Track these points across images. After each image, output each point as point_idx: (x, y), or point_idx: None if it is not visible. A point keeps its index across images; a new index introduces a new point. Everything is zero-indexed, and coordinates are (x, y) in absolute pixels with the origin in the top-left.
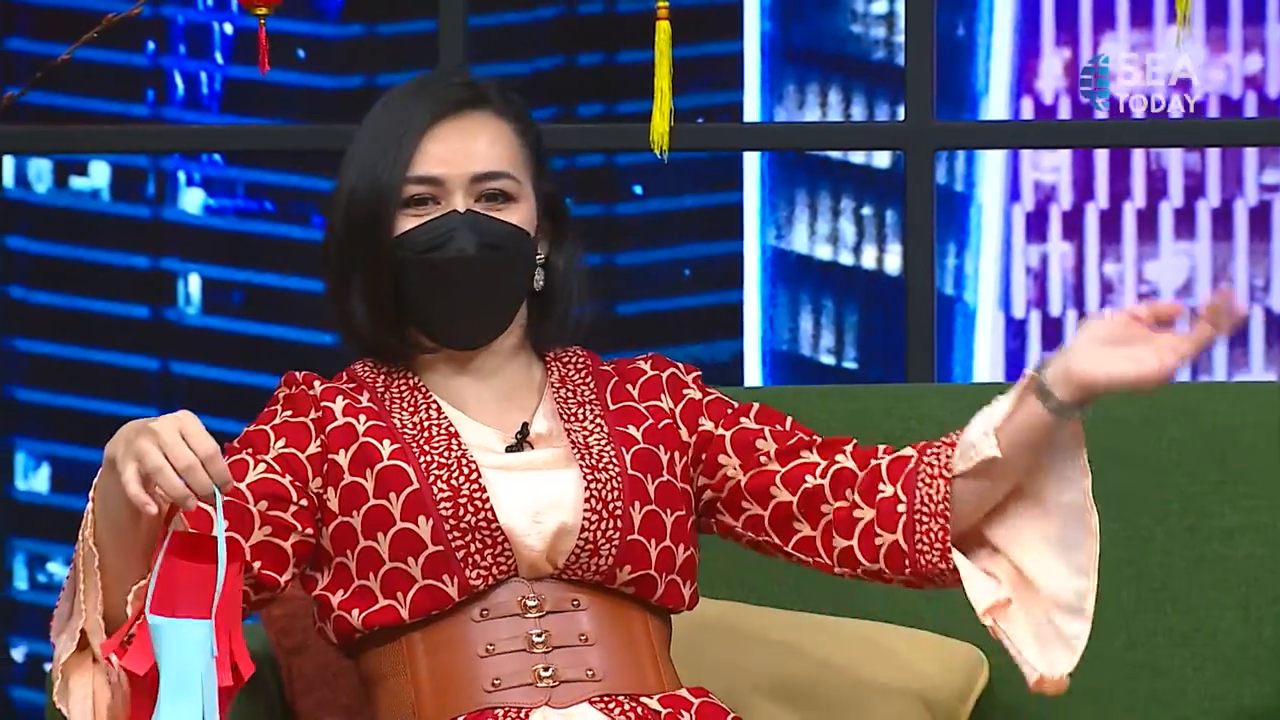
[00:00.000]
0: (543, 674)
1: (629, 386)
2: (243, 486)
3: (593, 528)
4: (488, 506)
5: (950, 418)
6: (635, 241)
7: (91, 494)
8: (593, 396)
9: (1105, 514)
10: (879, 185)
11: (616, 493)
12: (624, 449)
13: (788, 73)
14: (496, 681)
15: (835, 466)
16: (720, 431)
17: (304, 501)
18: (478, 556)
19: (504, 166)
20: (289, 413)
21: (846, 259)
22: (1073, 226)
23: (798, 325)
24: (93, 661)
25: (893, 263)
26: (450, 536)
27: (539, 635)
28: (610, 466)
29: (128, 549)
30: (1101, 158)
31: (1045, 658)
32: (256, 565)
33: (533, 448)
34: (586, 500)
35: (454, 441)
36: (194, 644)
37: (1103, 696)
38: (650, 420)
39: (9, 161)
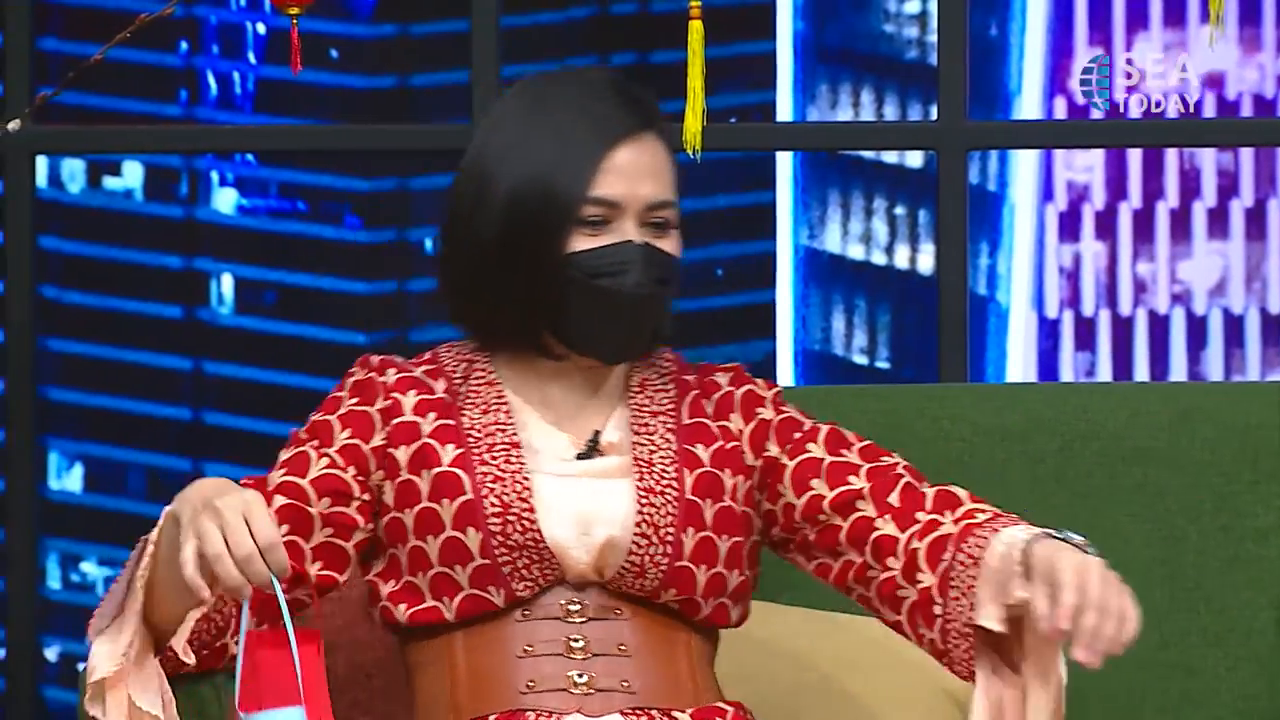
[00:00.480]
0: (577, 680)
1: (705, 402)
2: (305, 484)
3: (642, 551)
4: (535, 526)
5: (982, 418)
6: None
7: (154, 538)
8: (670, 406)
9: (1139, 514)
10: (912, 185)
11: (670, 518)
12: (687, 470)
13: (820, 72)
14: (531, 683)
15: (876, 533)
16: (785, 461)
17: (365, 496)
18: (524, 570)
19: (669, 195)
20: (355, 400)
21: (879, 259)
22: (1106, 226)
23: (830, 325)
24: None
25: (925, 262)
26: (497, 552)
27: (578, 641)
28: (669, 490)
29: (180, 596)
30: (1135, 157)
31: None
32: (317, 566)
33: (603, 455)
34: (638, 524)
35: (513, 453)
36: None
37: (1135, 697)
38: (719, 441)
39: (42, 162)
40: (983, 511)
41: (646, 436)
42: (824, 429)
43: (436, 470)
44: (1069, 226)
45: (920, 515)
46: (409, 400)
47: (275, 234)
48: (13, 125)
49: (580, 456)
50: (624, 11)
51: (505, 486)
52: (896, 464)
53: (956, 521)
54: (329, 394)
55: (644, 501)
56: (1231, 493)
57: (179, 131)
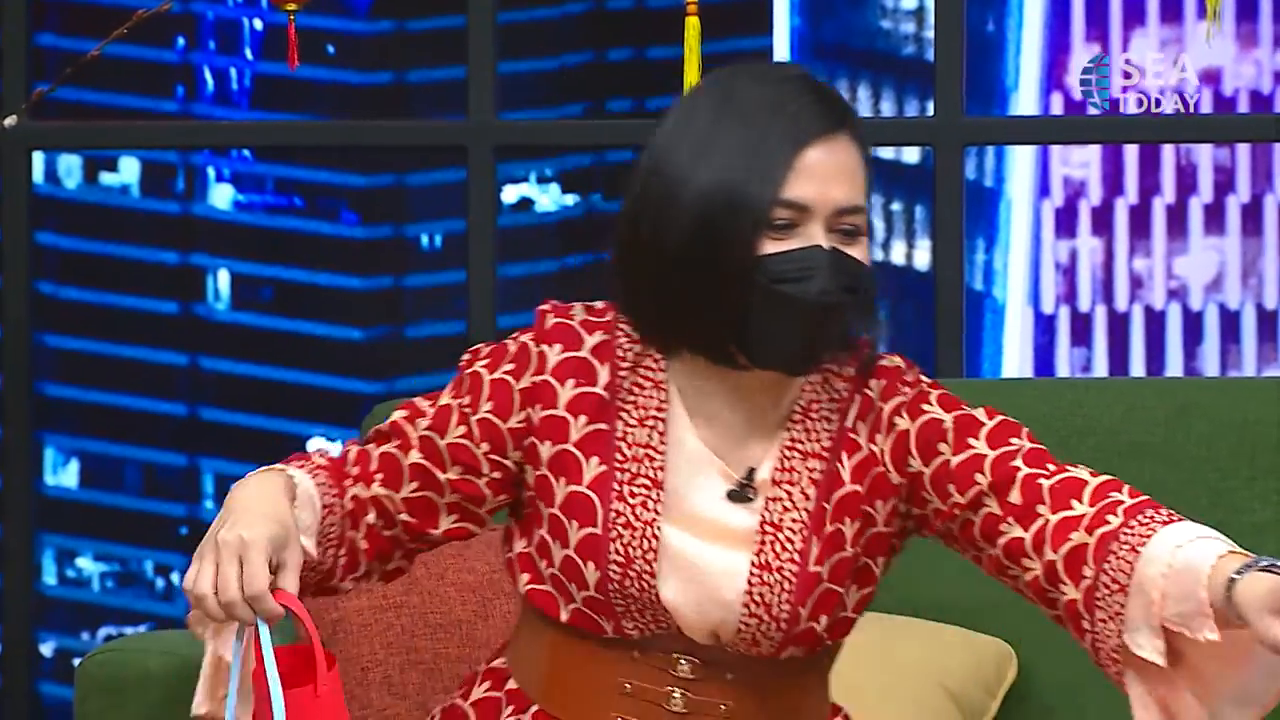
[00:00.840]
0: None
1: (859, 428)
2: (442, 445)
3: (752, 629)
4: (653, 587)
5: None
6: None
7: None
8: (826, 445)
9: None
10: (908, 181)
11: (787, 596)
12: (815, 537)
13: (817, 68)
14: None
15: (1004, 538)
16: (924, 469)
17: (496, 474)
18: (637, 616)
19: (860, 200)
20: (510, 366)
21: (875, 254)
22: (1102, 222)
23: None
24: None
25: (922, 258)
26: (613, 596)
27: (676, 695)
28: (788, 565)
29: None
30: (1131, 153)
31: None
32: (452, 519)
33: (755, 493)
34: (746, 605)
35: (652, 495)
36: None
37: None
38: (853, 484)
39: (39, 157)
40: (1113, 513)
41: (787, 487)
42: (953, 424)
43: (573, 488)
44: (1065, 222)
45: (1041, 509)
46: (565, 393)
47: (272, 230)
48: (9, 121)
49: (731, 494)
50: (620, 7)
51: (634, 536)
52: (1019, 450)
53: (1089, 529)
54: (505, 338)
55: (756, 580)
56: (1228, 488)
57: (175, 127)
